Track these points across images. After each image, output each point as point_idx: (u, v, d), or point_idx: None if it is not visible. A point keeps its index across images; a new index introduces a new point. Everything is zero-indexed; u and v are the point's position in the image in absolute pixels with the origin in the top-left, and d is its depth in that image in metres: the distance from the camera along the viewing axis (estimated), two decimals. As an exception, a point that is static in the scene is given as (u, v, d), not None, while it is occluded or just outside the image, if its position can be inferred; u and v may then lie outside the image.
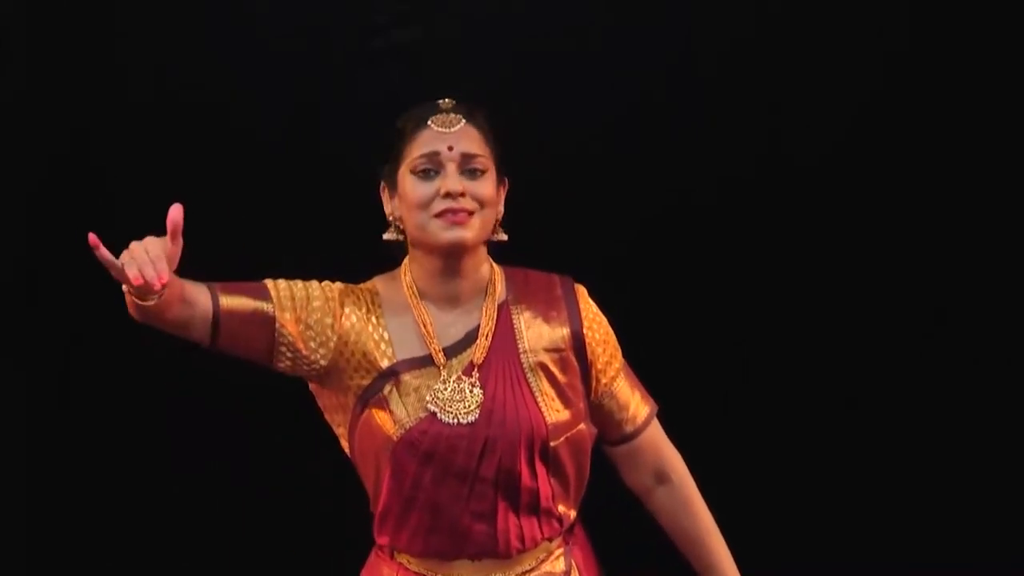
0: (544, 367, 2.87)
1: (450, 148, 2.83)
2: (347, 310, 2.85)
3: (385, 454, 2.82)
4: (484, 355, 2.85)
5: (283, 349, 2.81)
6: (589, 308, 2.93)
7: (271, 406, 3.95)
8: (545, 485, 2.85)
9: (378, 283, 2.92)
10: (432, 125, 2.85)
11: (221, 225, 4.03)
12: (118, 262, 2.56)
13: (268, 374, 2.87)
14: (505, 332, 2.87)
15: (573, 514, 2.92)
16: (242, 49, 4.17)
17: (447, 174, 2.82)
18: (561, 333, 2.89)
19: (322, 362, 2.83)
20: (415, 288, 2.88)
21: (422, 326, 2.85)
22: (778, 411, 4.27)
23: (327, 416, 2.92)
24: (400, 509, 2.83)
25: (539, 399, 2.85)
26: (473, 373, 2.83)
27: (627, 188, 4.24)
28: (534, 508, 2.84)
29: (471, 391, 2.82)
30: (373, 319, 2.86)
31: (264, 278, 2.84)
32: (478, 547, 2.83)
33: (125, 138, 4.18)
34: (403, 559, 2.88)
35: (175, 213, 2.58)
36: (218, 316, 2.75)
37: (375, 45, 4.21)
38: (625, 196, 4.24)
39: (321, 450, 3.17)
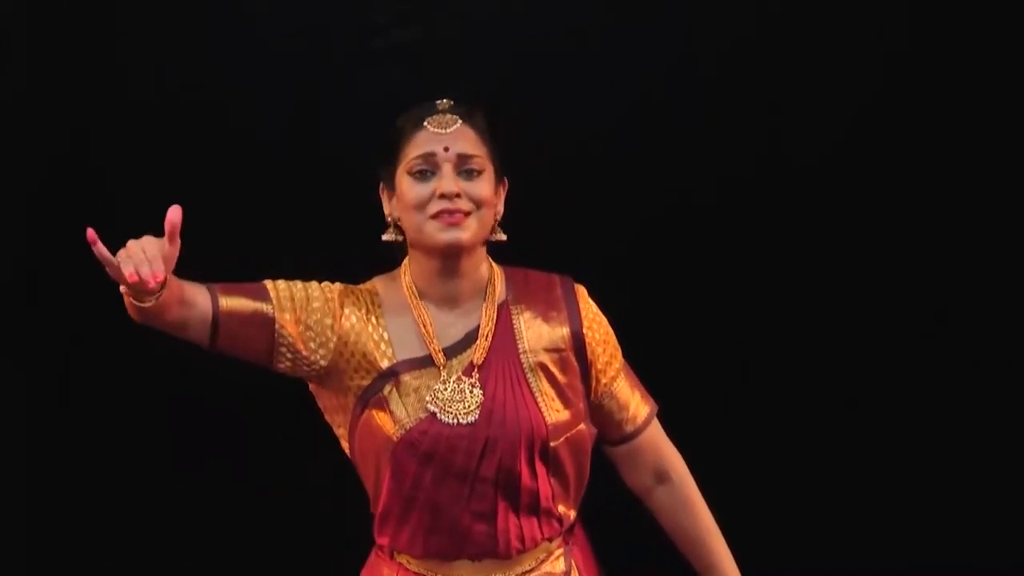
0: (544, 367, 2.87)
1: (446, 149, 2.83)
2: (347, 311, 2.85)
3: (385, 454, 2.82)
4: (484, 355, 2.85)
5: (283, 350, 2.81)
6: (589, 308, 2.93)
7: (271, 406, 3.95)
8: (545, 485, 2.85)
9: (378, 283, 2.92)
10: (428, 126, 2.85)
11: (221, 225, 4.04)
12: (114, 260, 2.56)
13: (268, 374, 2.87)
14: (505, 332, 2.87)
15: (573, 514, 2.92)
16: (242, 49, 4.17)
17: (443, 175, 2.82)
18: (561, 333, 2.89)
19: (322, 363, 2.83)
20: (415, 288, 2.88)
21: (422, 326, 2.85)
22: (778, 411, 4.27)
23: (327, 417, 2.92)
24: (400, 509, 2.83)
25: (539, 399, 2.85)
26: (473, 373, 2.83)
27: (627, 188, 4.24)
28: (534, 508, 2.84)
29: (471, 391, 2.82)
30: (373, 319, 2.86)
31: (264, 278, 2.84)
32: (478, 547, 2.83)
33: (125, 138, 4.18)
34: (403, 559, 2.88)
35: (173, 214, 2.58)
36: (217, 317, 2.75)
37: (375, 45, 4.21)
38: (625, 196, 4.24)
39: (321, 450, 3.17)
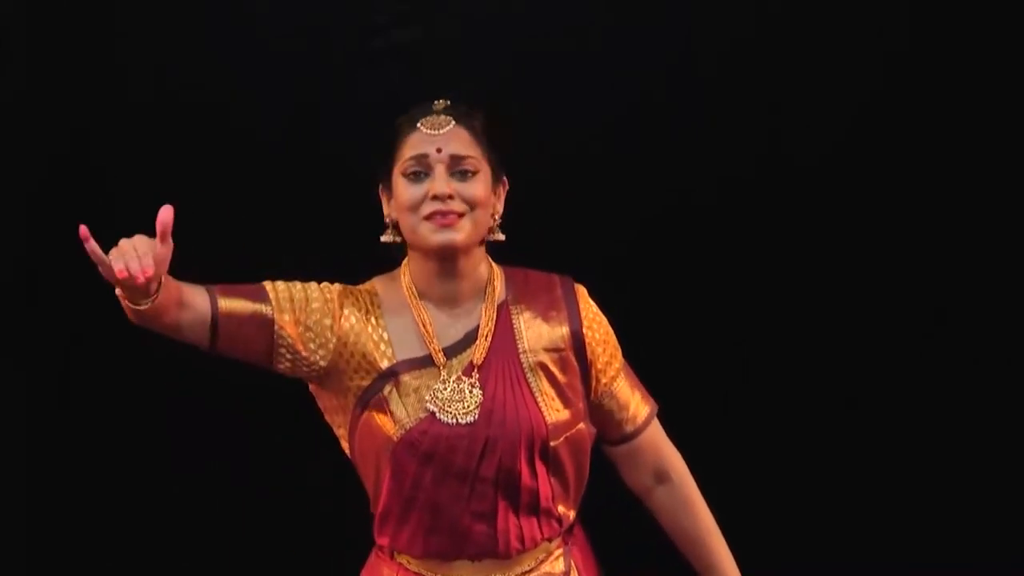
0: (544, 367, 2.87)
1: (438, 150, 2.83)
2: (346, 311, 2.85)
3: (385, 455, 2.82)
4: (484, 355, 2.85)
5: (282, 351, 2.81)
6: (589, 308, 2.93)
7: (271, 406, 3.95)
8: (545, 485, 2.85)
9: (377, 284, 2.92)
10: (421, 127, 2.85)
11: (221, 225, 4.04)
12: (106, 258, 2.55)
13: (268, 374, 2.87)
14: (505, 332, 2.87)
15: (572, 514, 2.92)
16: (242, 49, 4.17)
17: (435, 176, 2.82)
18: (561, 333, 2.89)
19: (322, 363, 2.83)
20: (414, 288, 2.88)
21: (422, 326, 2.85)
22: (778, 411, 4.27)
23: (327, 417, 2.92)
24: (400, 509, 2.83)
25: (539, 399, 2.85)
26: (473, 373, 2.83)
27: (627, 188, 4.24)
28: (534, 508, 2.84)
29: (471, 391, 2.82)
30: (372, 320, 2.86)
31: (264, 278, 2.84)
32: (478, 547, 2.83)
33: (125, 138, 4.18)
34: (403, 559, 2.88)
35: (164, 215, 2.58)
36: (217, 319, 2.75)
37: (375, 45, 4.21)
38: (625, 196, 4.23)
39: (321, 450, 3.16)
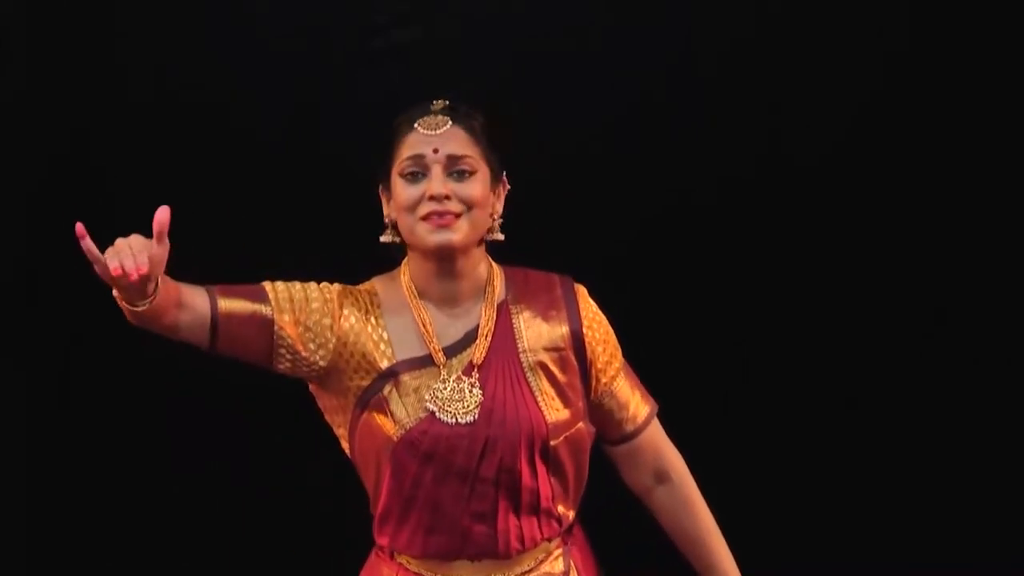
0: (544, 366, 2.87)
1: (435, 151, 2.82)
2: (346, 311, 2.85)
3: (385, 454, 2.82)
4: (484, 355, 2.84)
5: (282, 351, 2.81)
6: (589, 308, 2.93)
7: (271, 406, 3.95)
8: (545, 485, 2.84)
9: (377, 284, 2.92)
10: (419, 128, 2.84)
11: (221, 225, 4.05)
12: (101, 256, 2.55)
13: (268, 374, 2.87)
14: (505, 332, 2.87)
15: (572, 514, 2.92)
16: (242, 49, 4.18)
17: (432, 177, 2.82)
18: (560, 332, 2.89)
19: (321, 363, 2.83)
20: (414, 288, 2.88)
21: (421, 326, 2.85)
22: (778, 411, 4.27)
23: (327, 417, 2.92)
24: (400, 509, 2.83)
25: (539, 398, 2.85)
26: (473, 373, 2.83)
27: (627, 188, 4.24)
28: (534, 508, 2.84)
29: (470, 391, 2.82)
30: (372, 320, 2.86)
31: (264, 278, 2.84)
32: (478, 547, 2.83)
33: (125, 138, 4.18)
34: (403, 560, 2.88)
35: (161, 215, 2.57)
36: (216, 319, 2.75)
37: (375, 45, 4.21)
38: (625, 196, 4.24)
39: (321, 450, 3.16)
